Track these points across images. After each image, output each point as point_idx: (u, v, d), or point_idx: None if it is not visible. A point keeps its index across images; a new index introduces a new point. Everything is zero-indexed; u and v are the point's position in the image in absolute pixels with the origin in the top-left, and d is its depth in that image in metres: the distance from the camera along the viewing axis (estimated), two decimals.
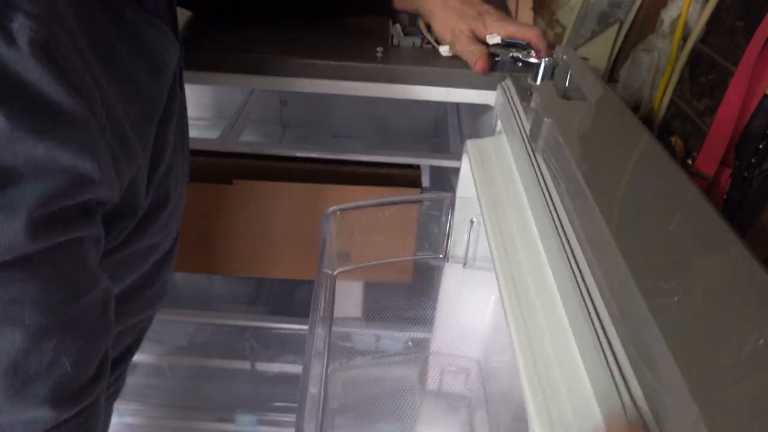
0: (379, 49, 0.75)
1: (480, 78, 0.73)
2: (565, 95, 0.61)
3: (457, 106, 1.11)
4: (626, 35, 1.03)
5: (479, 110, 0.92)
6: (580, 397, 0.36)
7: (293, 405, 1.30)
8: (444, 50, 0.76)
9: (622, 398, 0.31)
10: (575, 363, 0.38)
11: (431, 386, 0.92)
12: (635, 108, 0.96)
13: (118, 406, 1.27)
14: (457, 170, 0.74)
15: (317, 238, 0.93)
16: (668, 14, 0.90)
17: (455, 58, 0.75)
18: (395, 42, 0.79)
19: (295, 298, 1.31)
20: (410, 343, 1.05)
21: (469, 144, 0.66)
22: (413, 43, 0.79)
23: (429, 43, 0.78)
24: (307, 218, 0.90)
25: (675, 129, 0.86)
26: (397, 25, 0.80)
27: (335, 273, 0.79)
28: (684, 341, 0.28)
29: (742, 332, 0.29)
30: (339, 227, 0.75)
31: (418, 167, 0.89)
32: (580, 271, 0.39)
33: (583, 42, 1.09)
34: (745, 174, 0.70)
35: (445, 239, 0.78)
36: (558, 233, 0.43)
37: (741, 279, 0.33)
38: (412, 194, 0.87)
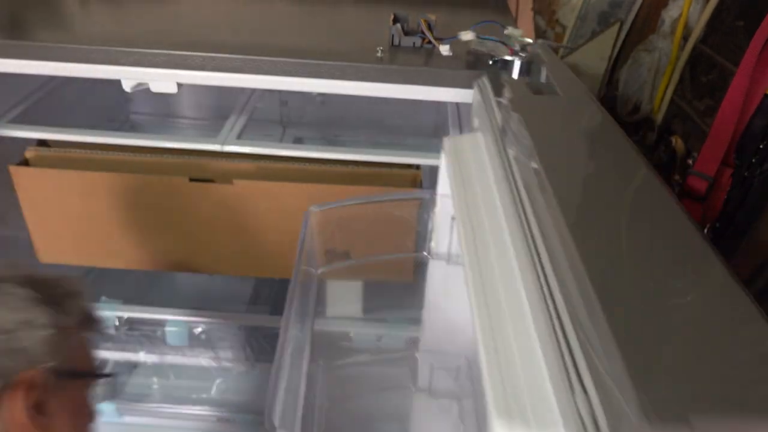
0: (379, 48, 0.75)
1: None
2: (539, 91, 0.62)
3: (458, 106, 1.11)
4: (627, 35, 1.03)
5: None
6: (536, 381, 0.36)
7: None
8: (444, 50, 0.75)
9: (570, 377, 0.32)
10: (533, 350, 0.38)
11: (422, 384, 0.91)
12: (636, 108, 0.96)
13: (119, 405, 1.27)
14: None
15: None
16: (669, 14, 0.90)
17: (456, 58, 0.75)
18: (395, 42, 0.79)
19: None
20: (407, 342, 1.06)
21: (446, 141, 0.66)
22: (413, 43, 0.79)
23: (429, 42, 0.78)
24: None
25: (675, 129, 0.86)
26: (398, 25, 0.80)
27: (319, 272, 0.79)
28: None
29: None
30: (321, 226, 0.75)
31: (418, 167, 0.89)
32: (540, 260, 0.39)
33: (584, 42, 1.09)
34: (746, 174, 0.70)
35: (429, 236, 0.78)
36: (522, 226, 0.44)
37: (701, 272, 0.35)
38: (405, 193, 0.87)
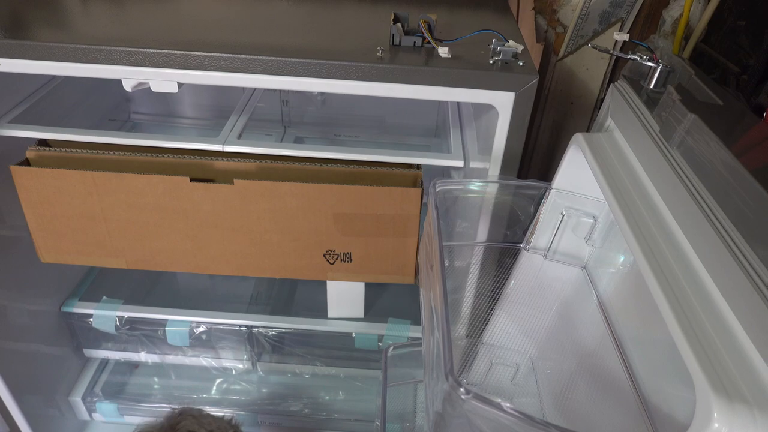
0: (380, 48, 0.75)
1: (480, 78, 0.73)
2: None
3: (458, 106, 1.11)
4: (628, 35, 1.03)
5: (480, 109, 0.92)
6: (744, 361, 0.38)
7: (293, 405, 1.29)
8: (443, 52, 0.75)
9: None
10: (733, 330, 0.39)
11: (476, 378, 0.91)
12: None
13: (119, 405, 1.27)
14: (457, 170, 0.74)
15: (317, 237, 0.94)
16: (670, 14, 0.90)
17: (455, 59, 0.75)
18: (395, 42, 0.79)
19: (295, 297, 1.31)
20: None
21: (582, 138, 0.68)
22: (414, 43, 0.79)
23: (429, 42, 0.78)
24: (307, 218, 0.90)
25: None
26: (398, 25, 0.80)
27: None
28: None
29: None
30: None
31: (418, 167, 0.89)
32: (742, 253, 0.40)
33: (585, 42, 1.09)
34: None
35: (531, 228, 0.78)
36: (705, 214, 0.46)
37: None
38: (412, 195, 0.87)
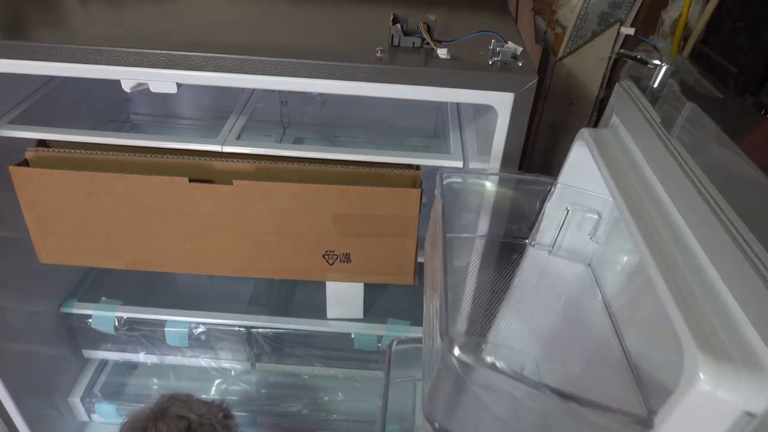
0: (379, 49, 0.75)
1: (480, 78, 0.73)
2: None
3: (458, 106, 1.11)
4: (627, 35, 1.03)
5: (479, 110, 0.92)
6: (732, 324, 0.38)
7: (292, 406, 1.29)
8: (442, 53, 0.75)
9: None
10: (725, 297, 0.40)
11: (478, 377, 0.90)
12: None
13: (118, 406, 1.27)
14: (456, 170, 0.74)
15: (317, 237, 0.93)
16: (669, 15, 0.90)
17: (454, 60, 0.75)
18: (395, 42, 0.79)
19: (295, 298, 1.31)
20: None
21: (588, 133, 0.68)
22: (413, 43, 0.79)
23: (428, 43, 0.78)
24: (307, 218, 0.90)
25: None
26: (397, 26, 0.80)
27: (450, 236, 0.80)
28: None
29: None
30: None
31: (418, 167, 0.89)
32: (743, 237, 0.41)
33: (584, 42, 1.09)
34: None
35: (536, 224, 0.78)
36: (705, 199, 0.46)
37: None
38: (411, 196, 0.87)
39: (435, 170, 0.76)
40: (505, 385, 0.43)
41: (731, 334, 0.37)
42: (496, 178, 0.79)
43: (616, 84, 0.72)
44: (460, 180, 0.77)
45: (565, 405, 0.40)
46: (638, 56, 0.71)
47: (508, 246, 0.83)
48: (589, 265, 0.80)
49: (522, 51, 0.77)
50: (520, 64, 0.75)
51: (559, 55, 1.12)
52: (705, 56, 0.81)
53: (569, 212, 0.75)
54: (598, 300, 0.75)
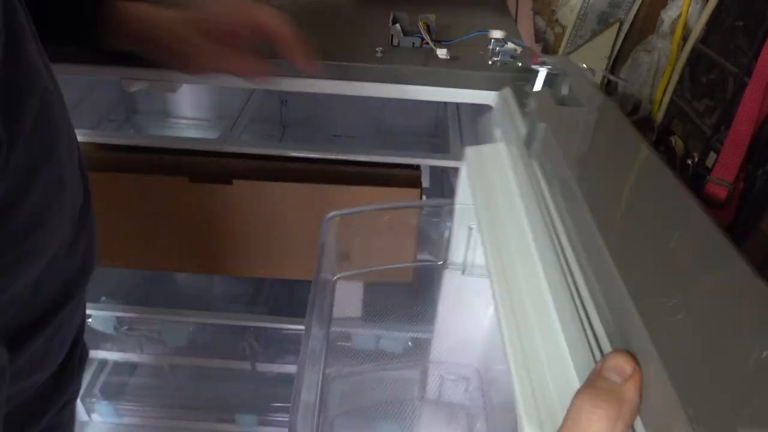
0: (379, 49, 0.76)
1: (480, 78, 0.73)
2: (563, 103, 0.61)
3: (457, 106, 1.11)
4: (626, 35, 1.03)
5: (479, 110, 0.92)
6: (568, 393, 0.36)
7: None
8: (441, 53, 0.76)
9: None
10: (565, 365, 0.38)
11: (431, 394, 0.91)
12: (635, 108, 0.96)
13: (118, 406, 1.27)
14: (456, 170, 0.74)
15: (317, 237, 0.93)
16: (668, 14, 0.90)
17: (454, 60, 0.75)
18: (395, 42, 0.79)
19: (295, 298, 1.31)
20: (410, 344, 1.05)
21: (469, 151, 0.66)
22: (413, 44, 0.79)
23: (428, 43, 0.78)
24: (307, 218, 0.90)
25: (675, 129, 0.86)
26: (397, 25, 0.80)
27: (335, 278, 0.79)
28: (674, 350, 0.28)
29: (736, 337, 0.29)
30: (339, 232, 0.74)
31: (418, 167, 0.89)
32: (572, 274, 0.39)
33: (583, 42, 1.09)
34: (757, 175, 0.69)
35: (445, 246, 0.78)
36: (550, 234, 0.44)
37: (734, 285, 0.33)
38: (411, 196, 0.87)
39: (435, 170, 0.77)
40: None
41: (566, 403, 0.36)
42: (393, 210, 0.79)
43: (498, 93, 0.70)
44: (347, 216, 0.75)
45: None
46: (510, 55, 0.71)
47: (425, 271, 0.84)
48: None
49: (522, 51, 0.77)
50: (519, 65, 0.75)
51: (559, 54, 1.12)
52: (705, 56, 0.81)
53: (473, 230, 0.74)
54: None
